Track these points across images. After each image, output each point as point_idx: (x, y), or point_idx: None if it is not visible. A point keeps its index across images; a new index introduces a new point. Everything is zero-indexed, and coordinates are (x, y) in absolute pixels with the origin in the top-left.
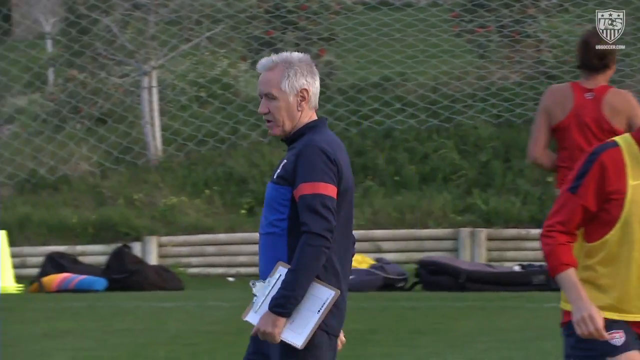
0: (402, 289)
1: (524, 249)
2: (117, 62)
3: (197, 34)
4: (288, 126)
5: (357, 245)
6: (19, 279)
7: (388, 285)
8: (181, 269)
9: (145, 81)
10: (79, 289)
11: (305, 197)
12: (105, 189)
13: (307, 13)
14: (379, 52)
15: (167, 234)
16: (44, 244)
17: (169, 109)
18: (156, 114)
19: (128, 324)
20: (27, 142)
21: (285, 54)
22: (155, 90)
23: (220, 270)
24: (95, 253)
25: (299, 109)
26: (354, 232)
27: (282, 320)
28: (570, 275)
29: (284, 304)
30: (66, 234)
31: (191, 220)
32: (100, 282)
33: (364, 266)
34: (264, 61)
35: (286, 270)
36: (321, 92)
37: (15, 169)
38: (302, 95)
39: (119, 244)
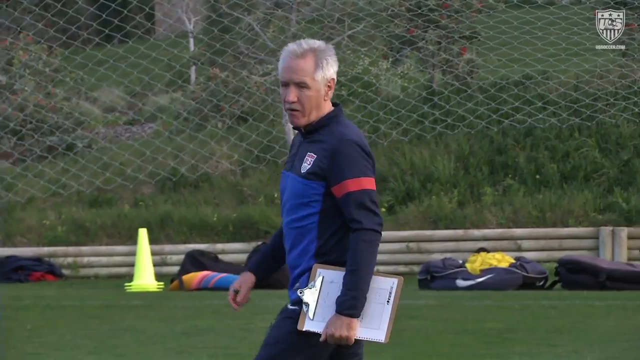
0: (541, 287)
1: None
2: (259, 61)
3: (339, 33)
4: (314, 116)
5: (497, 243)
6: (159, 276)
7: (528, 284)
8: None
9: None
10: (218, 287)
11: (352, 194)
12: (246, 188)
13: (449, 11)
14: (520, 50)
15: None
16: (184, 242)
17: None
18: None
19: (268, 322)
20: (169, 141)
21: (310, 41)
22: None
23: None
24: (236, 251)
25: (325, 98)
26: (494, 230)
27: (355, 321)
28: None
29: (354, 305)
30: (206, 232)
31: None
32: None
33: (504, 265)
34: (293, 47)
35: (328, 271)
36: (462, 90)
37: (156, 168)
38: (329, 85)
39: (259, 242)
